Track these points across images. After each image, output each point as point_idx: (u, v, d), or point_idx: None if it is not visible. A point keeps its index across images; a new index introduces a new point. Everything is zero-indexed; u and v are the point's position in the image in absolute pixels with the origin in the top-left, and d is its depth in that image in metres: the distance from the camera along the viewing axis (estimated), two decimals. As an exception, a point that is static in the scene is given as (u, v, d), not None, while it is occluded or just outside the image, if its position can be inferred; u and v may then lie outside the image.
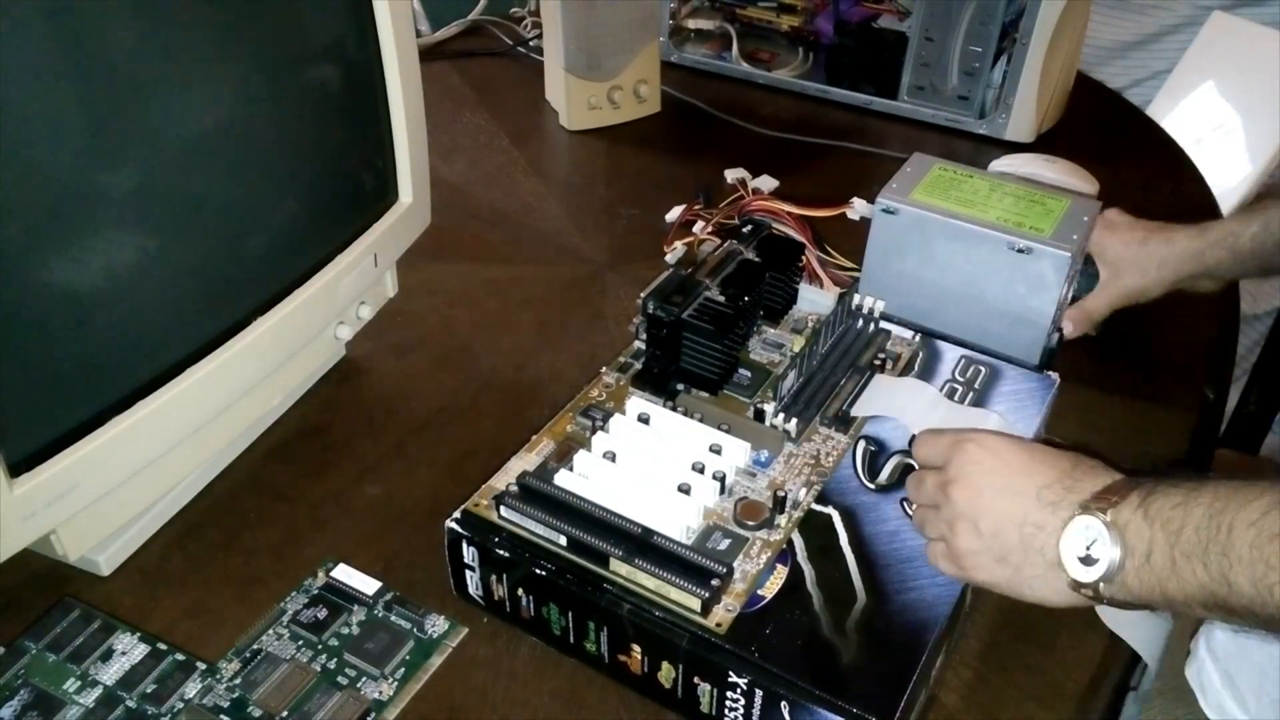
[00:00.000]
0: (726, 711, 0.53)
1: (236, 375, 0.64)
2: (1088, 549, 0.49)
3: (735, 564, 0.54)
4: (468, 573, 0.59)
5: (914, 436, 0.58)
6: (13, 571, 0.55)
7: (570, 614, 0.56)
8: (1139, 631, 0.61)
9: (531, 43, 1.25)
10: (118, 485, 0.58)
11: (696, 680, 0.53)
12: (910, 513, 0.57)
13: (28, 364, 0.53)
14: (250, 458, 0.72)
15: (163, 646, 0.58)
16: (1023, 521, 0.51)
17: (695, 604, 0.52)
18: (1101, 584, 0.48)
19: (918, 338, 0.69)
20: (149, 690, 0.55)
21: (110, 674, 0.56)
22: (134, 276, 0.58)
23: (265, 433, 0.73)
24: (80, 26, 0.50)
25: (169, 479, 0.65)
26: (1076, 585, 0.49)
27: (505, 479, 0.59)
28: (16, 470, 0.52)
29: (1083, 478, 0.51)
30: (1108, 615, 0.60)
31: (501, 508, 0.57)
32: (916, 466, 0.58)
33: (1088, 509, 0.49)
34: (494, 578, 0.58)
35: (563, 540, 0.55)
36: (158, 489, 0.64)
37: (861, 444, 0.62)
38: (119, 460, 0.57)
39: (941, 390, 0.64)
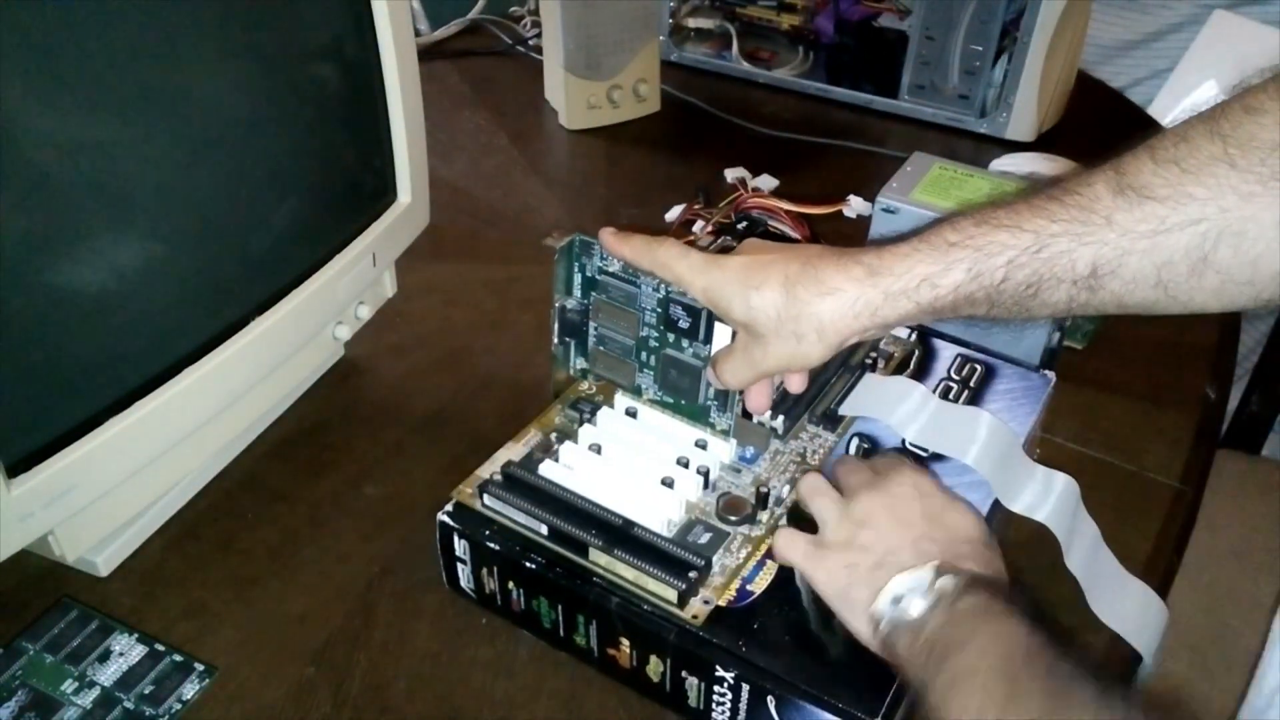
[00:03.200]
0: (714, 706, 0.53)
1: (235, 375, 0.64)
2: (905, 593, 0.48)
3: (715, 558, 0.55)
4: (459, 566, 0.59)
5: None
6: (10, 572, 0.55)
7: (560, 607, 0.56)
8: (1136, 627, 0.61)
9: (531, 42, 1.25)
10: (116, 486, 0.58)
11: (684, 674, 0.53)
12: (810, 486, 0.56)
13: (26, 364, 0.53)
14: (249, 458, 0.72)
15: (160, 647, 0.58)
16: (888, 550, 0.50)
17: (672, 595, 0.52)
18: (887, 626, 0.48)
19: (913, 336, 0.69)
20: (147, 691, 0.55)
21: (108, 675, 0.56)
22: (132, 276, 0.58)
23: (264, 433, 0.73)
24: (80, 26, 0.50)
25: (167, 479, 0.65)
26: (874, 618, 0.49)
27: (491, 468, 0.59)
28: (14, 470, 0.52)
29: (966, 558, 0.50)
30: (1104, 611, 0.60)
31: (485, 496, 0.57)
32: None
33: (934, 566, 0.49)
34: (485, 571, 0.58)
35: (544, 529, 0.55)
36: (156, 490, 0.64)
37: (854, 440, 0.62)
38: (117, 461, 0.58)
39: (936, 389, 0.64)
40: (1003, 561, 0.52)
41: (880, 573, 0.49)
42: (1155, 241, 0.46)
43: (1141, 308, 0.49)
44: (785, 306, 0.52)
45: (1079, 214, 0.48)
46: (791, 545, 0.53)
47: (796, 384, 0.59)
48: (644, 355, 0.62)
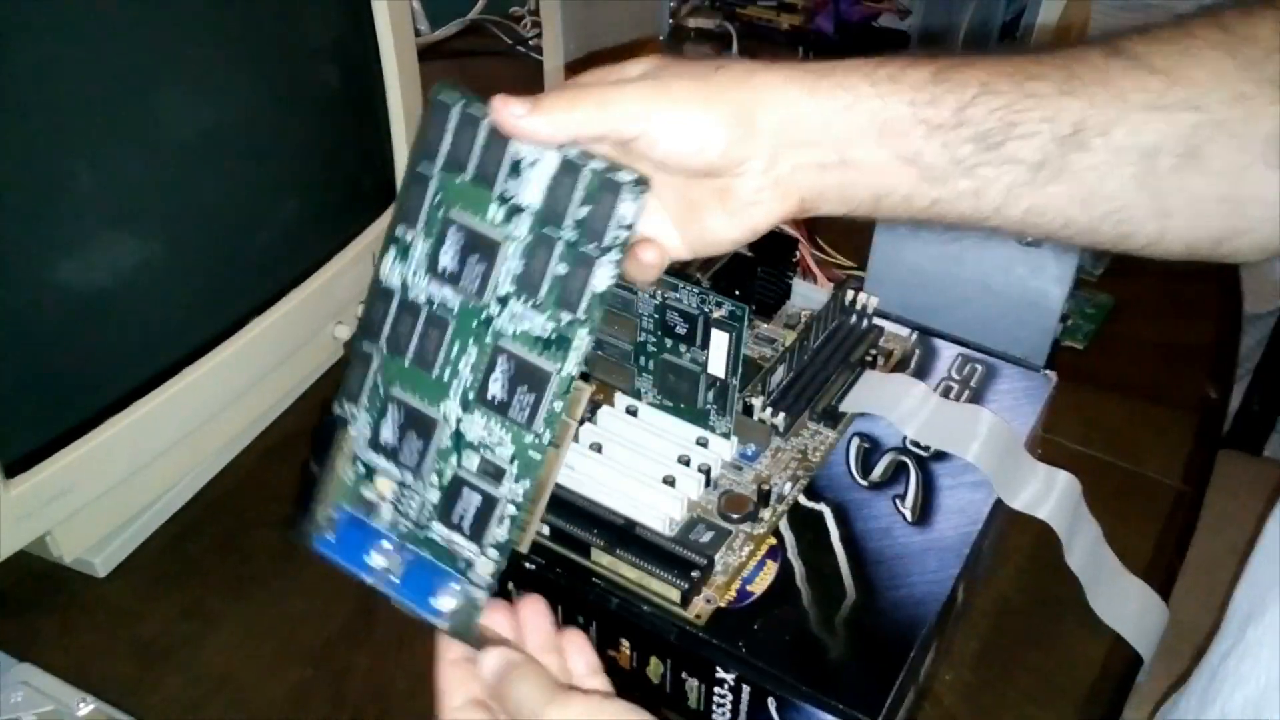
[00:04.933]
0: (714, 707, 0.53)
1: (234, 375, 0.64)
2: None
3: (717, 557, 0.54)
4: None
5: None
6: (10, 572, 0.55)
7: (560, 608, 0.56)
8: (1136, 627, 0.61)
9: (531, 42, 1.25)
10: (114, 486, 0.58)
11: (684, 675, 0.53)
12: None
13: (24, 364, 0.53)
14: (247, 458, 0.72)
15: None
16: None
17: (675, 595, 0.52)
18: None
19: (914, 335, 0.69)
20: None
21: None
22: (131, 276, 0.58)
23: (263, 433, 0.73)
24: (80, 26, 0.50)
25: (166, 479, 0.65)
26: None
27: None
28: (13, 470, 0.52)
29: None
30: (1104, 610, 0.60)
31: None
32: (908, 463, 0.57)
33: None
34: None
35: (545, 529, 0.55)
36: (155, 489, 0.64)
37: (855, 440, 0.62)
38: (116, 461, 0.57)
39: (937, 388, 0.64)
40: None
41: None
42: (1147, 118, 0.40)
43: (1108, 211, 0.41)
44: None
45: (1070, 64, 0.41)
46: None
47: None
48: (642, 360, 0.62)
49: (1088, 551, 0.60)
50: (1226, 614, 0.49)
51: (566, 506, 0.56)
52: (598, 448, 0.60)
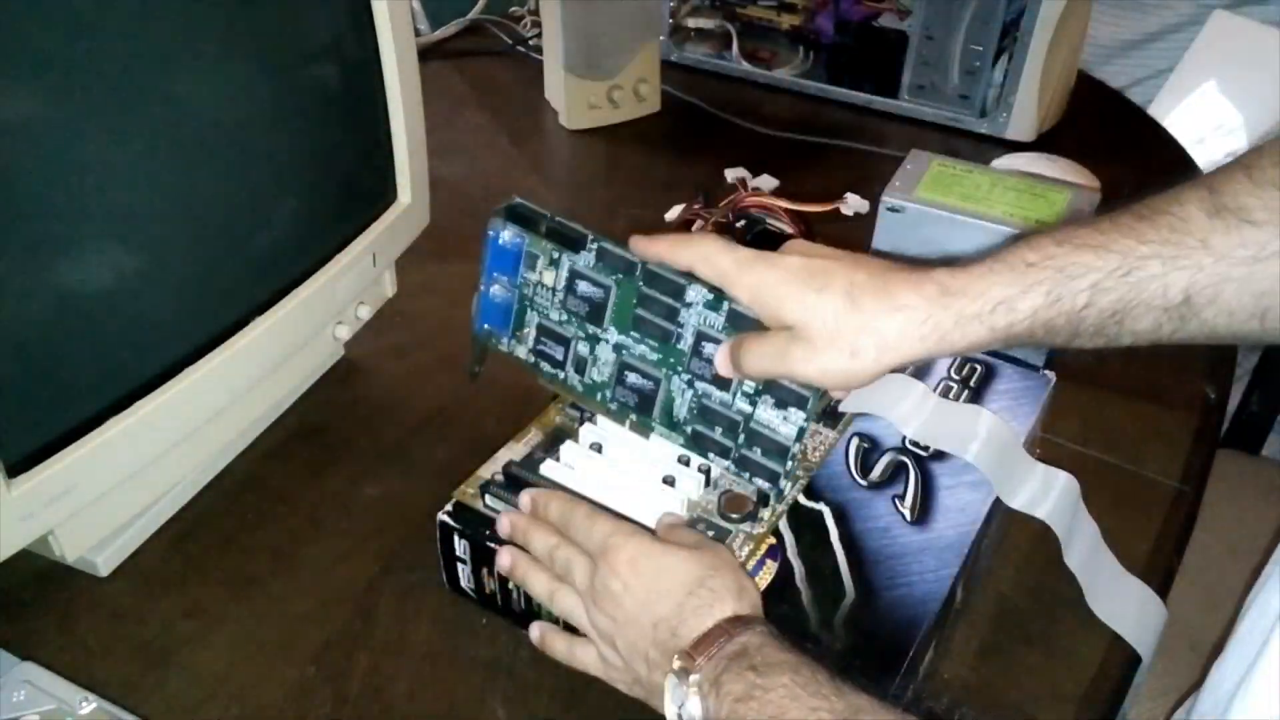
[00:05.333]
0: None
1: (235, 375, 0.64)
2: (679, 709, 0.47)
3: None
4: (459, 566, 0.59)
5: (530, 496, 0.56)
6: (11, 572, 0.55)
7: None
8: (1135, 627, 0.61)
9: (531, 42, 1.25)
10: (116, 485, 0.58)
11: None
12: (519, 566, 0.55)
13: (26, 364, 0.53)
14: (249, 458, 0.72)
15: None
16: (645, 657, 0.50)
17: None
18: None
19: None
20: None
21: None
22: (132, 277, 0.58)
23: (264, 433, 0.73)
24: (79, 27, 0.51)
25: (167, 479, 0.65)
26: None
27: (492, 468, 0.59)
28: (15, 470, 0.52)
29: (690, 616, 0.48)
30: (1103, 610, 0.60)
31: (487, 496, 0.57)
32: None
33: (676, 669, 0.47)
34: (485, 570, 0.58)
35: None
36: (156, 489, 0.64)
37: (855, 440, 0.62)
38: (117, 460, 0.58)
39: (936, 388, 0.64)
40: (733, 554, 0.53)
41: (653, 685, 0.50)
42: (1253, 270, 0.43)
43: (1235, 339, 0.46)
44: (846, 315, 0.48)
45: (1170, 235, 0.45)
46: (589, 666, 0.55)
47: (839, 395, 0.58)
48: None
49: (1086, 551, 0.60)
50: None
51: None
52: (598, 448, 0.60)
